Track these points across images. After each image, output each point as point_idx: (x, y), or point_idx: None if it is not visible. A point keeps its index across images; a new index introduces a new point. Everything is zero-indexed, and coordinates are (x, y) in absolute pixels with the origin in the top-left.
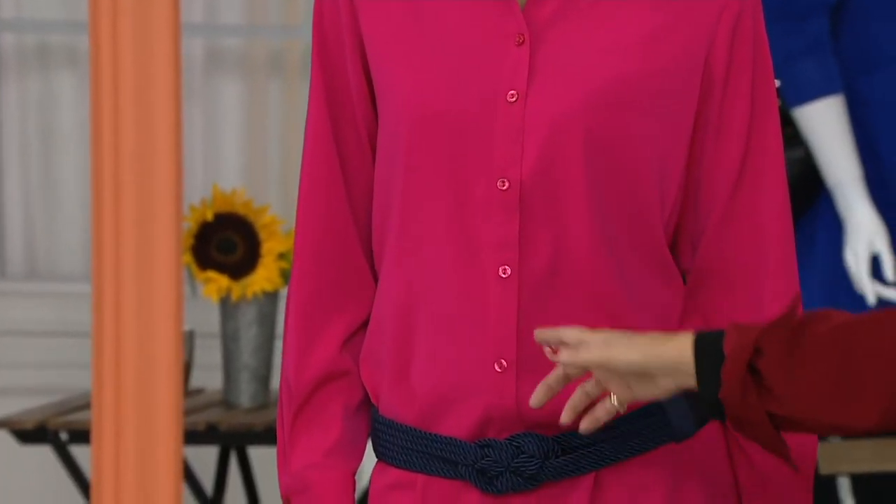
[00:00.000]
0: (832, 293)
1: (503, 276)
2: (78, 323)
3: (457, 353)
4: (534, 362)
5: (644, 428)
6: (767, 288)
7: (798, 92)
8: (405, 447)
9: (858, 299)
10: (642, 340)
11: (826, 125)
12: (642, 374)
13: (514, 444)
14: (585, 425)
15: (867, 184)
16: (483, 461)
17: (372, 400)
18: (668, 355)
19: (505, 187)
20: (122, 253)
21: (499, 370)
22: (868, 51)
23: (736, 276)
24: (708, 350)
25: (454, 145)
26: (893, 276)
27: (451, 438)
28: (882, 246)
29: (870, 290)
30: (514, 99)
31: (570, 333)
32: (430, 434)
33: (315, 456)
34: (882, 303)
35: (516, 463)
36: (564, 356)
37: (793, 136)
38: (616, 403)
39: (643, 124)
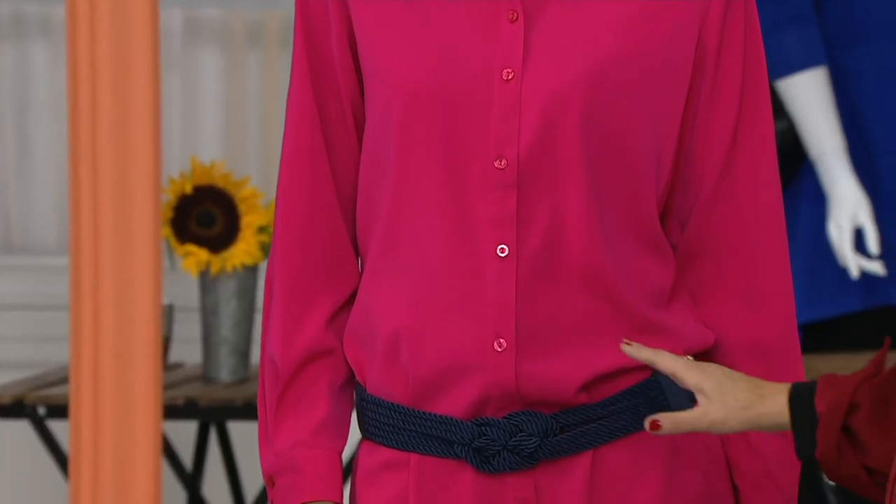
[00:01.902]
0: (815, 266)
1: (501, 255)
2: (55, 296)
3: (453, 332)
4: (533, 341)
5: (642, 404)
6: (759, 264)
7: (781, 63)
8: (397, 426)
9: (841, 273)
10: (737, 402)
11: (809, 97)
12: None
13: (513, 422)
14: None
15: (851, 156)
16: (480, 440)
17: (357, 378)
18: (766, 421)
19: (502, 166)
20: (99, 226)
21: (498, 349)
22: (853, 23)
23: (725, 254)
24: (803, 411)
25: (449, 124)
26: (877, 249)
27: (446, 417)
28: (865, 219)
29: (853, 264)
30: (509, 77)
31: (665, 362)
32: (424, 413)
33: (302, 435)
34: (865, 276)
35: (514, 441)
36: (667, 425)
37: (776, 109)
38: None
39: (638, 101)
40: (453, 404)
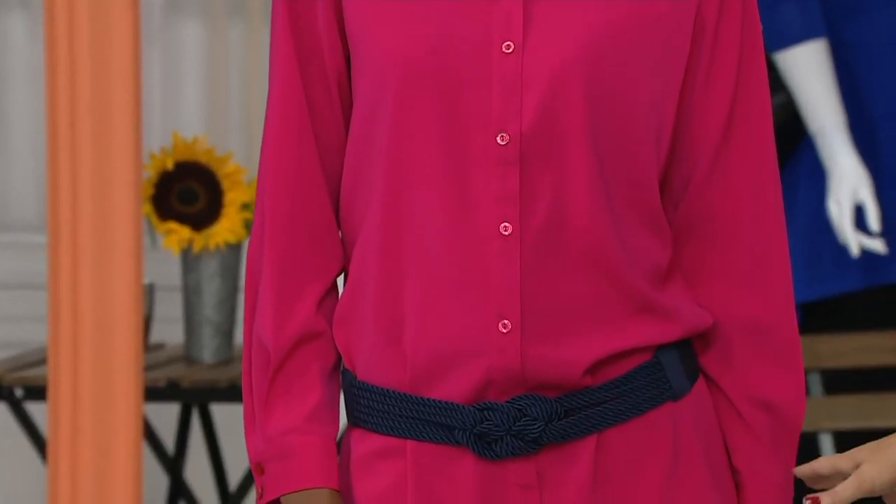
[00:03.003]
0: (814, 244)
1: (504, 233)
2: (32, 274)
3: (456, 314)
4: (537, 322)
5: (646, 385)
6: (755, 243)
7: (780, 36)
8: (392, 413)
9: (841, 251)
10: (888, 455)
11: (809, 70)
12: None
13: (517, 406)
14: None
15: (851, 131)
16: (483, 425)
17: (345, 364)
18: None
19: (504, 142)
20: (78, 203)
21: (503, 331)
22: None
23: (720, 232)
24: None
25: (447, 100)
26: (878, 226)
27: (447, 402)
28: (866, 195)
29: (853, 241)
30: (510, 50)
31: (822, 465)
32: (422, 399)
33: (295, 421)
34: (865, 254)
35: (518, 426)
36: (827, 502)
37: (774, 82)
38: None
39: (640, 73)
40: (454, 389)
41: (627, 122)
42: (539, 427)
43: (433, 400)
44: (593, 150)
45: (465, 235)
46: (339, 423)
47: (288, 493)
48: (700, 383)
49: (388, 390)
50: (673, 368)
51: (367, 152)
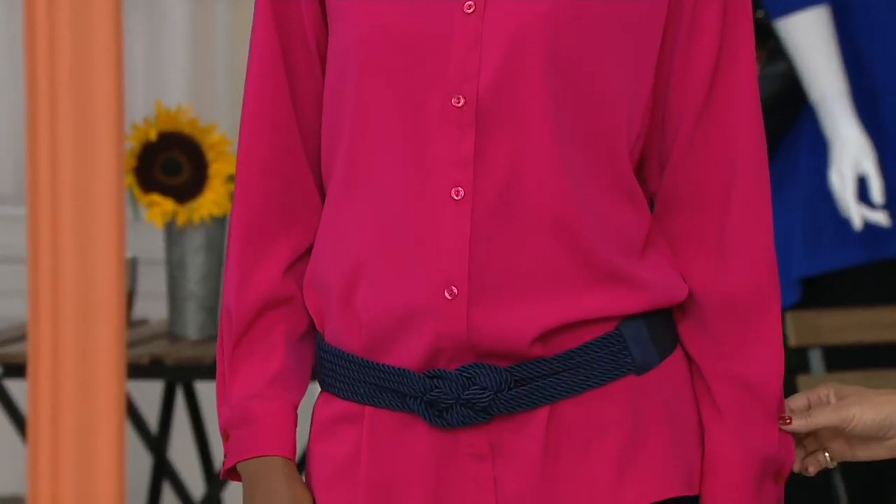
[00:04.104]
0: (815, 217)
1: (456, 197)
2: (11, 248)
3: (405, 278)
4: (486, 289)
5: (604, 357)
6: (735, 214)
7: (781, 3)
8: (351, 377)
9: (843, 223)
10: (875, 398)
11: (810, 37)
12: (873, 435)
13: (465, 374)
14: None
15: (854, 101)
16: (432, 393)
17: (317, 327)
18: None
19: (460, 104)
20: (58, 174)
21: (449, 297)
22: None
23: (701, 199)
24: None
25: (407, 60)
26: (881, 198)
27: (398, 369)
28: (869, 166)
29: (856, 214)
30: (471, 10)
31: (798, 401)
32: (376, 364)
33: (256, 386)
34: (868, 227)
35: (467, 395)
36: (798, 424)
37: (775, 50)
38: (829, 460)
39: (608, 39)
40: (405, 355)
41: (592, 89)
42: (488, 396)
43: (386, 366)
44: (553, 116)
45: (419, 198)
46: (306, 388)
47: (243, 461)
48: (675, 357)
49: (347, 354)
50: (637, 341)
51: (337, 116)
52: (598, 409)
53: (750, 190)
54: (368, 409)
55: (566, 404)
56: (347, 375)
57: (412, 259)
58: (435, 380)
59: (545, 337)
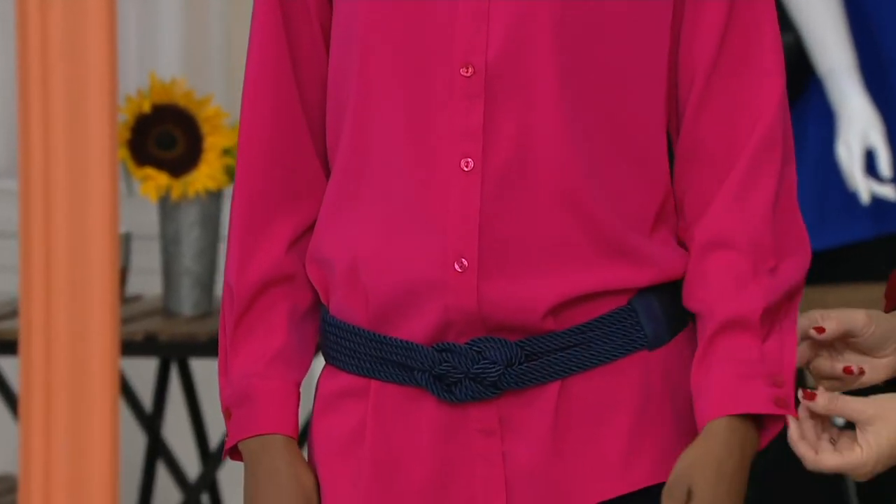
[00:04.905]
0: (822, 191)
1: (465, 169)
2: (3, 222)
3: (414, 251)
4: (496, 262)
5: (616, 332)
6: (736, 168)
7: None
8: (357, 351)
9: (850, 197)
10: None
11: (818, 8)
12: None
13: (475, 348)
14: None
15: (862, 72)
16: (441, 366)
17: (322, 300)
18: None
19: (469, 73)
20: (51, 147)
21: (459, 270)
22: None
23: (708, 152)
24: None
25: (413, 30)
26: (889, 171)
27: (406, 342)
28: (877, 139)
29: (863, 187)
30: None
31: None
32: (384, 337)
33: (257, 365)
34: (876, 201)
35: (477, 369)
36: (822, 402)
37: (781, 21)
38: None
39: (618, 6)
40: (414, 328)
41: (603, 59)
42: (498, 371)
43: (394, 339)
44: (564, 85)
45: (427, 170)
46: (308, 366)
47: (244, 440)
48: (686, 333)
49: (353, 327)
50: (649, 316)
51: (342, 90)
52: (609, 384)
53: (755, 144)
54: (374, 384)
55: (577, 379)
56: (353, 349)
57: (421, 232)
58: (444, 353)
59: (556, 310)
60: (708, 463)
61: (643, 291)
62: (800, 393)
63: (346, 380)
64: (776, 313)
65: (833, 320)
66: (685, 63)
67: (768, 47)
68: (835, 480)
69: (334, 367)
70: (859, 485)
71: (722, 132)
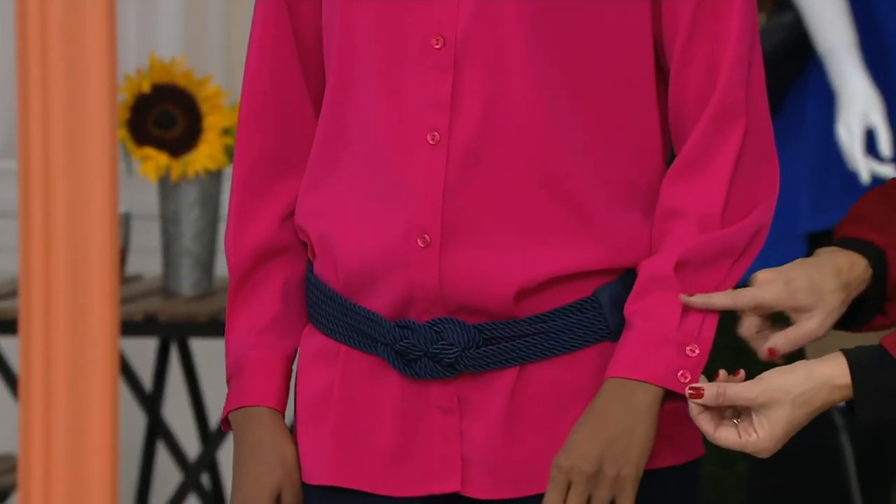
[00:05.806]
0: (822, 171)
1: (431, 142)
2: (2, 202)
3: (380, 224)
4: (460, 238)
5: (576, 324)
6: (707, 136)
7: None
8: (331, 315)
9: (851, 177)
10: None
11: None
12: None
13: (434, 328)
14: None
15: (862, 52)
16: (401, 343)
17: (309, 256)
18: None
19: (439, 46)
20: (50, 127)
21: (422, 245)
22: None
23: (680, 121)
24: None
25: (389, 3)
26: (889, 151)
27: (372, 313)
28: (877, 118)
29: (863, 167)
30: None
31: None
32: (354, 305)
33: (249, 336)
34: (876, 180)
35: (435, 349)
36: (781, 344)
37: (782, 1)
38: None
39: None
40: (379, 301)
41: (578, 34)
42: (455, 353)
43: (362, 308)
44: (535, 60)
45: (397, 142)
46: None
47: (232, 410)
48: None
49: (329, 290)
50: (615, 306)
51: (329, 57)
52: (568, 373)
53: (720, 112)
54: (344, 349)
55: (536, 367)
56: (328, 312)
57: (387, 204)
58: (404, 330)
59: (520, 294)
60: (586, 418)
61: (613, 280)
62: (687, 391)
63: (321, 341)
64: (701, 270)
65: (746, 317)
66: (668, 34)
67: (736, 13)
68: (835, 464)
69: (313, 327)
70: (859, 467)
71: (688, 100)
